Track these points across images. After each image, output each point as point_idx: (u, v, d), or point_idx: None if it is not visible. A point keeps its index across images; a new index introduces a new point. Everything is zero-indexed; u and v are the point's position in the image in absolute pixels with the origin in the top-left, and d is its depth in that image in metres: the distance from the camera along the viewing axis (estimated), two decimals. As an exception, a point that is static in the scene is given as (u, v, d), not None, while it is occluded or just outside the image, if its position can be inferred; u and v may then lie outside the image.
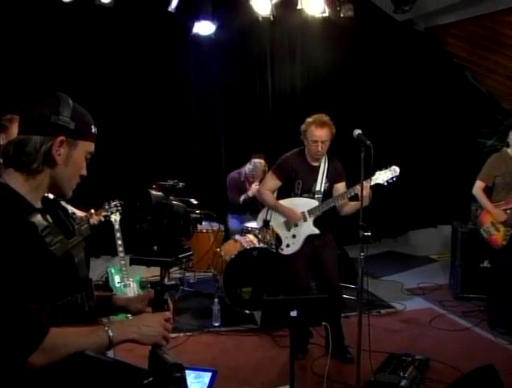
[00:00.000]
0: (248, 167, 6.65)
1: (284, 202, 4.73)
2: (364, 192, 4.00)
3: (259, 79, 8.21)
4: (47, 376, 1.60)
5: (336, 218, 4.77)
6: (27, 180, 1.74)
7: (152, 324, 1.81)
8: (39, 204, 1.77)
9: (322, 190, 4.68)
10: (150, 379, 1.56)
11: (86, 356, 1.59)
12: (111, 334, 1.69)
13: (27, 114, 1.76)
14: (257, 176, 6.55)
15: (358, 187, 4.26)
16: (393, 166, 4.52)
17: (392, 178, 4.50)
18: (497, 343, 5.06)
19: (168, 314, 1.89)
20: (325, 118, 4.57)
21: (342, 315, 4.79)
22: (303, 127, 4.62)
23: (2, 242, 1.57)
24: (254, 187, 6.33)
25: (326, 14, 6.21)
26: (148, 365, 1.76)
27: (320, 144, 4.52)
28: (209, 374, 2.14)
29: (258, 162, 6.59)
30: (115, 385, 1.54)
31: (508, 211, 5.16)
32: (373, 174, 4.44)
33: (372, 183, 4.43)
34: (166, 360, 1.69)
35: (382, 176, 4.48)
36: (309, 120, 4.60)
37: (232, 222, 6.81)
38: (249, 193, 6.50)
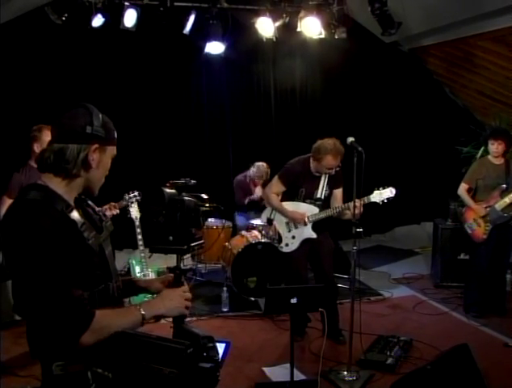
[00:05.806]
0: (252, 170, 6.63)
1: (288, 205, 4.67)
2: (357, 211, 3.97)
3: (263, 92, 8.21)
4: (110, 352, 1.65)
5: (332, 218, 4.70)
6: (66, 183, 1.75)
7: (173, 298, 1.84)
8: (72, 204, 1.77)
9: (323, 197, 4.63)
10: (191, 349, 1.59)
11: (136, 335, 1.65)
12: (143, 312, 1.74)
13: (62, 124, 1.75)
14: (260, 177, 6.53)
15: (350, 204, 4.16)
16: (390, 188, 4.44)
17: (388, 198, 4.42)
18: (471, 325, 5.07)
19: (185, 288, 1.91)
20: (340, 146, 4.39)
21: (337, 302, 4.76)
22: (317, 150, 4.42)
23: (51, 236, 1.59)
24: (258, 191, 6.33)
25: (322, 36, 6.18)
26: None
27: (333, 169, 4.49)
28: (223, 345, 2.15)
29: (261, 164, 6.59)
30: (166, 356, 1.59)
31: (488, 209, 5.12)
32: (371, 192, 4.40)
33: (369, 202, 4.38)
34: (198, 333, 1.72)
35: (379, 196, 4.41)
36: (326, 147, 4.38)
37: (239, 219, 6.79)
38: (254, 196, 6.48)
